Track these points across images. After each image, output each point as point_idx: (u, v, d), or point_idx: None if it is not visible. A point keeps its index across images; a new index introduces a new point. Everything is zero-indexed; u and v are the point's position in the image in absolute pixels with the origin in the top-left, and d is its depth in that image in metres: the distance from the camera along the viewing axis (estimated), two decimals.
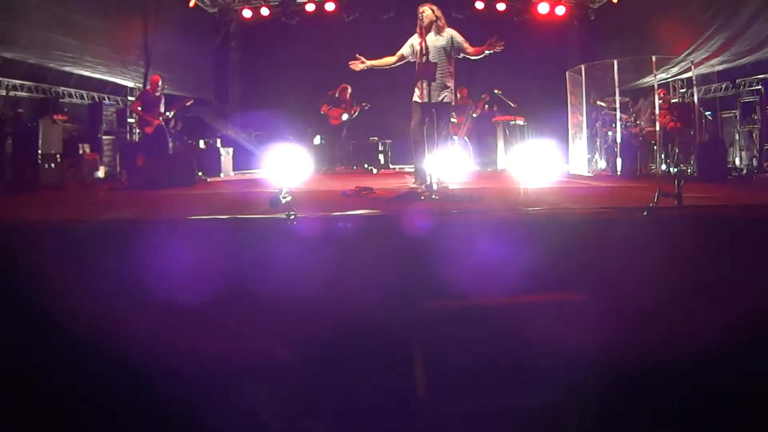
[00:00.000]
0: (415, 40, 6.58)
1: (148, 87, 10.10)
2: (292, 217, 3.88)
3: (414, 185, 6.88)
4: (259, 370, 3.54)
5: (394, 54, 6.78)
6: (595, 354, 3.30)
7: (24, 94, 9.31)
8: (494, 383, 3.25)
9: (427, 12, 6.47)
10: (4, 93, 8.82)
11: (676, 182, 4.14)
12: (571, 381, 3.26)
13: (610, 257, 3.77)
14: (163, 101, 9.70)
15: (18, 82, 9.08)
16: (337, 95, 12.18)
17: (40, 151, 7.53)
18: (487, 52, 6.42)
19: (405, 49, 6.73)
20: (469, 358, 3.34)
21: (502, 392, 3.24)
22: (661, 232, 3.89)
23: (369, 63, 6.67)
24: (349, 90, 12.17)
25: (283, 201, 4.16)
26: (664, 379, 3.24)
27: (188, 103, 10.38)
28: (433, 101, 6.39)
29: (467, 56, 6.64)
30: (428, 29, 6.43)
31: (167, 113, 9.69)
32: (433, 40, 6.43)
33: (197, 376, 3.47)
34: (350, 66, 6.68)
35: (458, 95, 11.60)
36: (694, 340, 3.42)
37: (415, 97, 6.65)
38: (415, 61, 6.62)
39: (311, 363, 3.41)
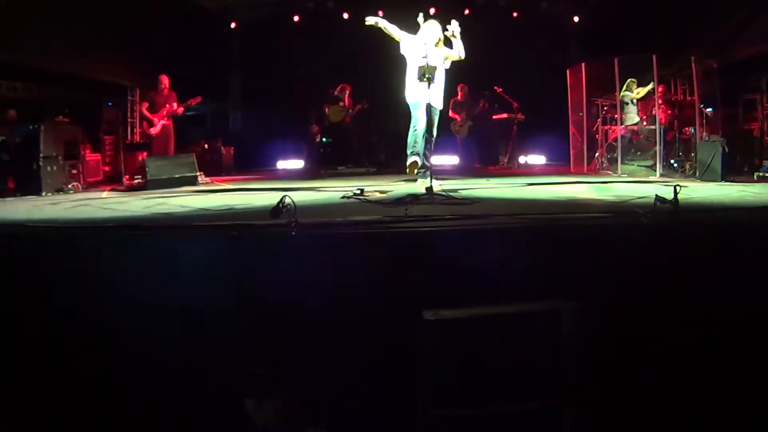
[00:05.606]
0: (414, 40, 6.93)
1: (161, 87, 9.99)
2: (293, 225, 3.91)
3: (417, 173, 7.22)
4: (259, 375, 3.59)
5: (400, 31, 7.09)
6: (591, 360, 3.32)
7: (24, 95, 9.31)
8: (491, 389, 3.28)
9: (440, 34, 6.87)
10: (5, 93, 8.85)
11: (673, 188, 4.17)
12: (567, 387, 3.29)
13: (607, 263, 3.80)
14: (174, 98, 9.69)
15: (18, 84, 9.09)
16: (336, 94, 12.18)
17: (41, 154, 7.53)
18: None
19: (403, 38, 7.05)
20: (466, 364, 3.37)
21: (499, 397, 3.27)
22: (658, 238, 3.91)
23: (382, 24, 6.95)
24: (348, 90, 12.18)
25: (284, 210, 4.18)
26: (658, 387, 3.27)
27: (194, 103, 10.30)
28: (433, 104, 6.83)
29: (450, 56, 7.16)
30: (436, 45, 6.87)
31: (179, 108, 9.69)
32: (434, 50, 6.85)
33: (199, 381, 3.52)
34: (366, 20, 6.95)
35: (459, 93, 11.64)
36: (688, 346, 3.45)
37: (419, 97, 6.90)
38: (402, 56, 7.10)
39: (311, 368, 3.45)
